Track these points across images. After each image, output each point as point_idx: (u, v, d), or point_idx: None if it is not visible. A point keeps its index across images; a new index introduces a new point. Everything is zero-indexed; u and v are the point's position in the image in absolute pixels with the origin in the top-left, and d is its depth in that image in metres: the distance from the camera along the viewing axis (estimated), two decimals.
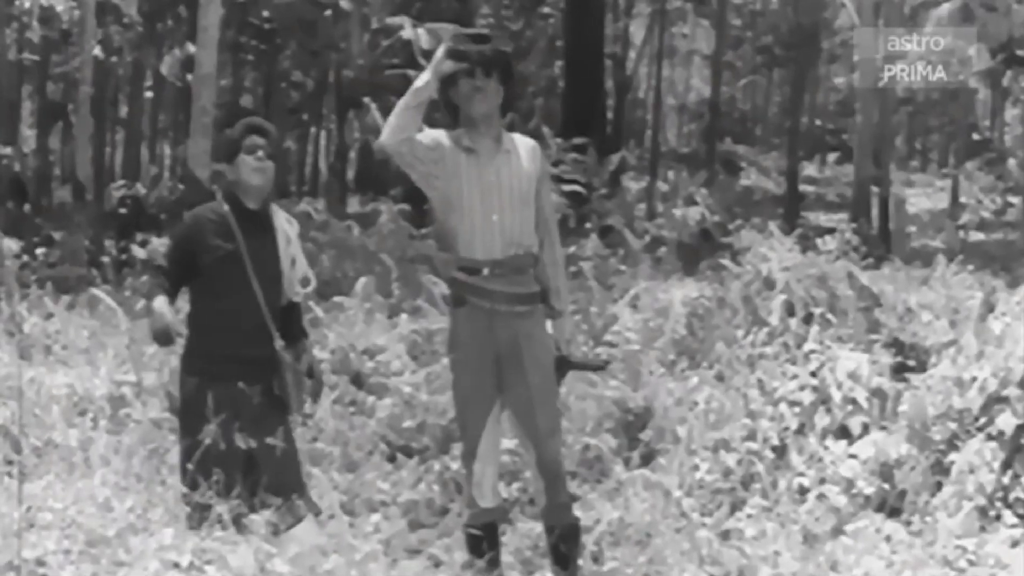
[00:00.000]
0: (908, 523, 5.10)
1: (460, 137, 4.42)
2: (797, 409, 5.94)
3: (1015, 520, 5.01)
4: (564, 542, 4.45)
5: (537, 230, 4.48)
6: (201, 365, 4.52)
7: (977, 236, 23.06)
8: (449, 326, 4.57)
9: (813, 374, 6.17)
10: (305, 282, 4.70)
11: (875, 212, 19.98)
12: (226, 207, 4.55)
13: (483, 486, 4.43)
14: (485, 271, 4.37)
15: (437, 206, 4.46)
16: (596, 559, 4.81)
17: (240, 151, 4.56)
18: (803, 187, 29.23)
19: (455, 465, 5.82)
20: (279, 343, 4.49)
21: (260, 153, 4.55)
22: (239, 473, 4.24)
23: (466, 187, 4.37)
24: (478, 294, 4.38)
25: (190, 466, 4.19)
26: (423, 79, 4.35)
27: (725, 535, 5.00)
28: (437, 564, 4.61)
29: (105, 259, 14.11)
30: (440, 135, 4.42)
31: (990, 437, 5.27)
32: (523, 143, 4.54)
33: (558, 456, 4.49)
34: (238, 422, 4.32)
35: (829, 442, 5.70)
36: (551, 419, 4.46)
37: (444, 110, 4.57)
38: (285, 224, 4.65)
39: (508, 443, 5.52)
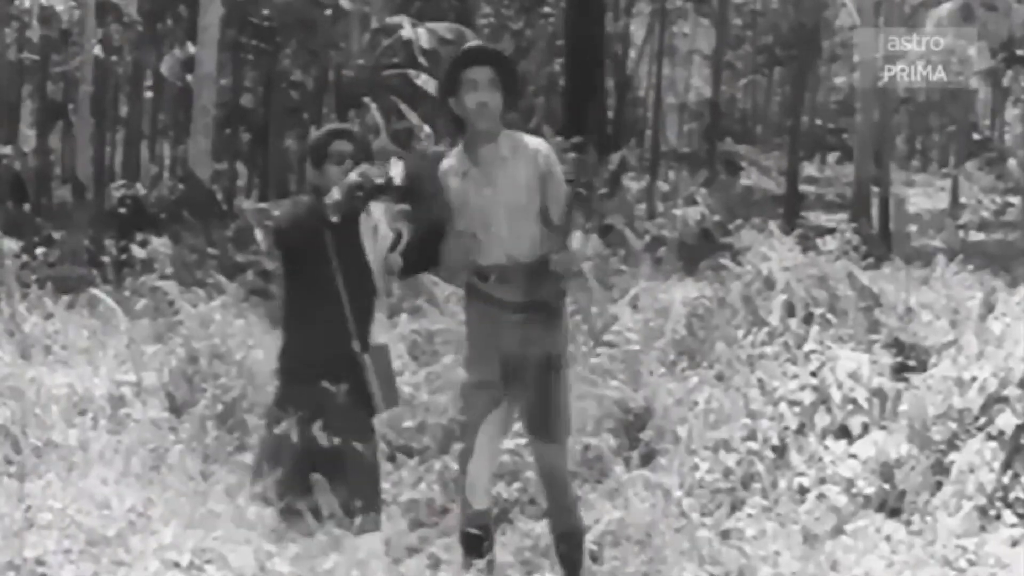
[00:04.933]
0: (908, 523, 5.09)
1: (461, 156, 4.49)
2: (797, 409, 5.93)
3: (1015, 520, 5.01)
4: (566, 543, 4.47)
5: (551, 217, 4.51)
6: (287, 365, 4.56)
7: (977, 236, 23.07)
8: (467, 327, 4.65)
9: (813, 374, 6.17)
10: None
11: (875, 212, 20.01)
12: (312, 209, 4.49)
13: (476, 487, 4.43)
14: (492, 278, 4.43)
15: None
16: (596, 559, 4.81)
17: (326, 159, 4.55)
18: (803, 187, 29.24)
19: (455, 465, 5.82)
20: (356, 345, 4.51)
21: (348, 163, 4.51)
22: (307, 471, 4.26)
23: (470, 199, 4.46)
24: (486, 300, 4.46)
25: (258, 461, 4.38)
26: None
27: (725, 535, 4.99)
28: (437, 563, 4.61)
29: (105, 259, 14.08)
30: (447, 174, 4.51)
31: (990, 437, 5.27)
32: (523, 148, 4.53)
33: (557, 461, 4.50)
34: (320, 420, 4.32)
35: (829, 442, 5.70)
36: (554, 425, 4.47)
37: (447, 121, 4.64)
38: (380, 218, 4.62)
39: (507, 443, 5.53)
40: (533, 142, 4.59)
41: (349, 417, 4.42)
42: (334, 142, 4.58)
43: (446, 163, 4.56)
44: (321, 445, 4.29)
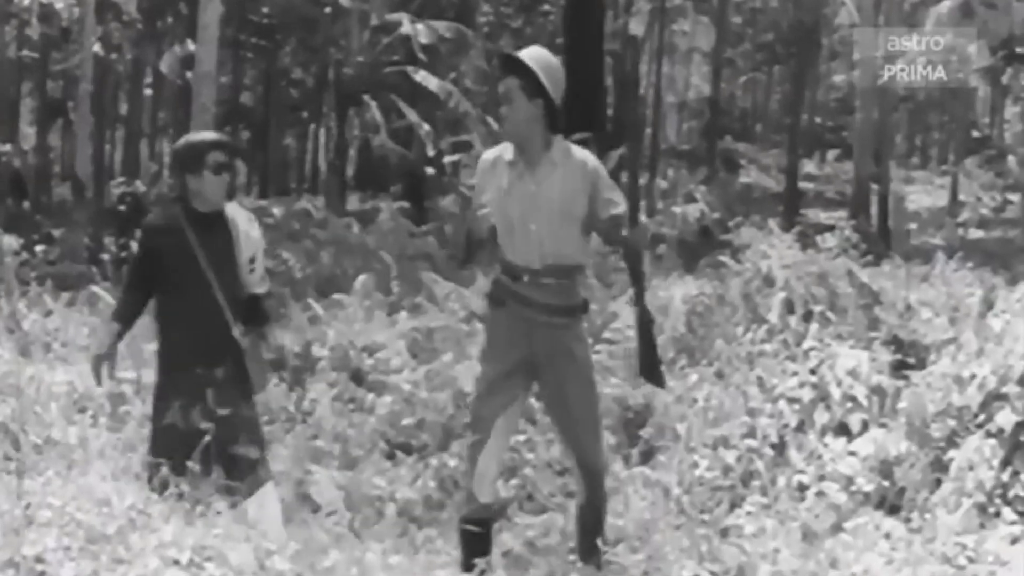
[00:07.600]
0: (907, 520, 5.08)
1: (507, 149, 4.57)
2: (796, 406, 5.93)
3: (1014, 517, 5.00)
4: (590, 535, 4.56)
5: (599, 225, 4.57)
6: (167, 355, 4.76)
7: (977, 233, 23.07)
8: (487, 324, 4.73)
9: (812, 371, 6.16)
10: (263, 282, 4.87)
11: (875, 209, 19.99)
12: (178, 210, 4.76)
13: (484, 481, 4.47)
14: (525, 278, 4.47)
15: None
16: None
17: (205, 167, 4.73)
18: (803, 184, 29.25)
19: (453, 462, 5.83)
20: (237, 330, 4.67)
21: (225, 174, 4.77)
22: (194, 452, 4.36)
23: (507, 196, 4.49)
24: (519, 300, 4.51)
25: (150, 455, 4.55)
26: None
27: (724, 532, 4.99)
28: (434, 561, 4.61)
29: (104, 256, 14.11)
30: (489, 159, 4.62)
31: (989, 434, 5.26)
32: (575, 158, 4.59)
33: (598, 461, 4.61)
34: (199, 404, 4.53)
35: (828, 439, 5.69)
36: (592, 429, 4.60)
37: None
38: (246, 223, 4.83)
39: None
40: (581, 153, 4.64)
41: (233, 390, 4.64)
42: (212, 152, 4.77)
43: (493, 153, 4.62)
44: (206, 423, 4.46)
